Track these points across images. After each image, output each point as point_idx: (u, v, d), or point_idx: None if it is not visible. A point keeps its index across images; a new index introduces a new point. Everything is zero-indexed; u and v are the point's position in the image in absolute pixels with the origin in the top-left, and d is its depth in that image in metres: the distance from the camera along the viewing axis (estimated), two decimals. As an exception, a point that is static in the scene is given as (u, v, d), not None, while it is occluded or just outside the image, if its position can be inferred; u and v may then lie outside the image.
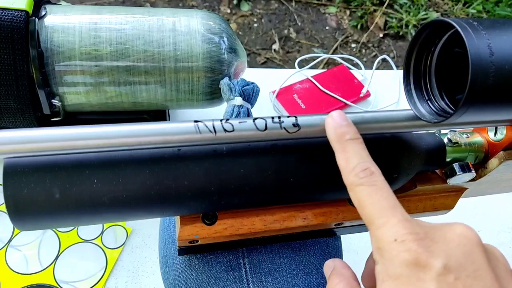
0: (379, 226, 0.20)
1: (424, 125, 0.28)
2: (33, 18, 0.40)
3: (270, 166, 0.28)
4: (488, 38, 0.23)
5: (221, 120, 0.26)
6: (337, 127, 0.25)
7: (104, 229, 0.50)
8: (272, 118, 0.27)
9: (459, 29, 0.23)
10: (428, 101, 0.27)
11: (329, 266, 0.25)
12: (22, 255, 0.47)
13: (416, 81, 0.28)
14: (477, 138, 0.35)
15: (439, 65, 0.27)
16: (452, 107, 0.27)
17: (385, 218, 0.20)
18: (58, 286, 0.45)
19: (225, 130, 0.26)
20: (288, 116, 0.27)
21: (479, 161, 0.35)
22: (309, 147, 0.29)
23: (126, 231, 0.50)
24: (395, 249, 0.19)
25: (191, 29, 0.46)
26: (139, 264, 0.48)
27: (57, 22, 0.43)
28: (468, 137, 0.35)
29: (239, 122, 0.26)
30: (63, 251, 0.48)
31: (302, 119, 0.27)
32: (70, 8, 0.45)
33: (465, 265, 0.19)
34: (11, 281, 0.45)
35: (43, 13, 0.43)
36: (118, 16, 0.45)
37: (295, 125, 0.27)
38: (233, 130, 0.26)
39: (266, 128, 0.27)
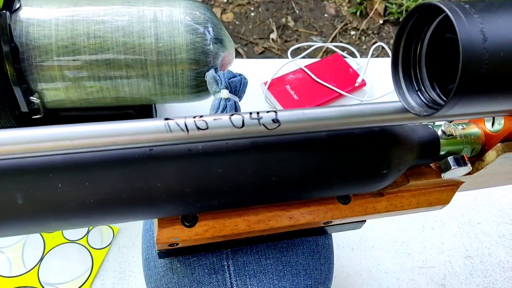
0: None
1: (414, 118, 0.26)
2: (5, 11, 0.38)
3: (250, 165, 0.27)
4: (481, 22, 0.21)
5: (194, 117, 0.24)
6: None
7: (90, 229, 0.48)
8: (250, 113, 0.25)
9: (449, 13, 0.21)
10: (418, 92, 0.26)
11: None
12: (6, 257, 0.46)
13: (405, 70, 0.26)
14: (474, 129, 0.33)
15: (430, 53, 0.25)
16: (444, 98, 0.25)
17: None
18: (43, 289, 0.44)
19: (198, 128, 0.24)
20: (268, 111, 0.25)
21: (476, 153, 0.33)
22: (292, 143, 0.27)
23: (113, 230, 0.49)
24: None
25: (174, 20, 0.44)
26: (126, 264, 0.47)
27: (32, 16, 0.41)
28: (463, 129, 0.33)
29: (214, 119, 0.24)
30: (47, 252, 0.46)
31: (282, 115, 0.25)
32: (46, 1, 0.43)
33: None
34: (-6, 285, 0.44)
35: (17, 5, 0.41)
36: (96, 7, 0.43)
37: (275, 121, 0.25)
38: (207, 128, 0.24)
39: (243, 124, 0.25)
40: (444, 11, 0.22)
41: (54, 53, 0.41)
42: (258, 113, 0.25)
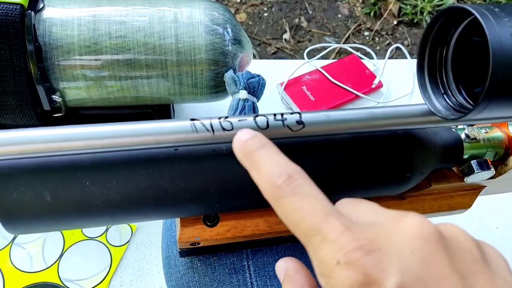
0: (316, 247, 0.17)
1: (440, 121, 0.25)
2: (29, 11, 0.39)
3: None
4: (512, 26, 0.21)
5: (219, 118, 0.25)
6: (241, 145, 0.22)
7: (109, 226, 0.49)
8: (274, 115, 0.25)
9: (478, 16, 0.21)
10: (444, 95, 0.25)
11: (281, 268, 0.21)
12: (27, 253, 0.47)
13: (430, 73, 0.25)
14: (497, 133, 0.33)
15: (456, 56, 0.25)
16: (470, 101, 0.25)
17: (321, 235, 0.17)
18: (63, 285, 0.45)
19: (224, 129, 0.24)
20: (292, 113, 0.26)
21: (499, 157, 0.33)
22: (314, 145, 0.27)
23: (131, 228, 0.49)
24: (339, 275, 0.16)
25: (194, 20, 0.44)
26: (144, 262, 0.47)
27: (55, 15, 0.42)
28: (487, 132, 0.33)
29: (239, 120, 0.25)
30: (67, 248, 0.47)
31: (306, 116, 0.25)
32: (68, 1, 0.44)
33: (424, 278, 0.15)
34: (15, 280, 0.44)
35: (40, 6, 0.42)
36: (118, 7, 0.43)
37: (299, 122, 0.25)
38: (232, 129, 0.24)
39: (267, 126, 0.25)
40: (472, 14, 0.21)
41: (76, 52, 0.42)
42: (282, 114, 0.25)
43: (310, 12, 1.67)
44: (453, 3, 1.57)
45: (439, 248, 0.16)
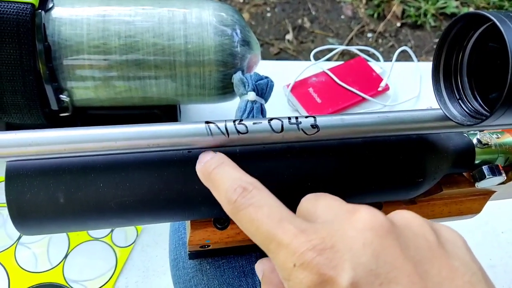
0: (274, 253, 0.17)
1: (455, 126, 0.25)
2: (40, 11, 0.39)
3: (286, 170, 0.27)
4: (531, 33, 0.21)
5: (234, 121, 0.25)
6: (201, 167, 0.22)
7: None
8: (289, 118, 0.25)
9: (497, 23, 0.21)
10: (460, 101, 0.25)
11: (259, 269, 0.22)
12: (32, 253, 0.46)
13: (446, 78, 0.25)
14: (508, 138, 0.33)
15: (472, 62, 0.25)
16: (485, 107, 0.25)
17: (277, 241, 0.17)
18: (68, 285, 0.45)
19: (238, 132, 0.24)
20: (306, 117, 0.25)
21: (509, 163, 0.33)
22: (328, 149, 0.27)
23: (137, 229, 0.49)
24: (297, 277, 0.16)
25: (203, 21, 0.44)
26: (149, 263, 0.47)
27: (65, 15, 0.42)
28: (498, 138, 0.33)
29: (253, 123, 0.25)
30: (72, 249, 0.47)
31: (321, 120, 0.25)
32: (77, 0, 0.43)
33: (376, 270, 0.16)
34: (20, 280, 0.44)
35: (50, 5, 0.42)
36: (127, 7, 0.43)
37: (314, 126, 0.25)
38: (247, 132, 0.24)
39: (282, 129, 0.25)
40: (490, 21, 0.21)
41: (85, 52, 0.42)
42: (297, 118, 0.25)
43: (313, 13, 1.67)
44: (457, 6, 1.57)
45: (390, 238, 0.17)
